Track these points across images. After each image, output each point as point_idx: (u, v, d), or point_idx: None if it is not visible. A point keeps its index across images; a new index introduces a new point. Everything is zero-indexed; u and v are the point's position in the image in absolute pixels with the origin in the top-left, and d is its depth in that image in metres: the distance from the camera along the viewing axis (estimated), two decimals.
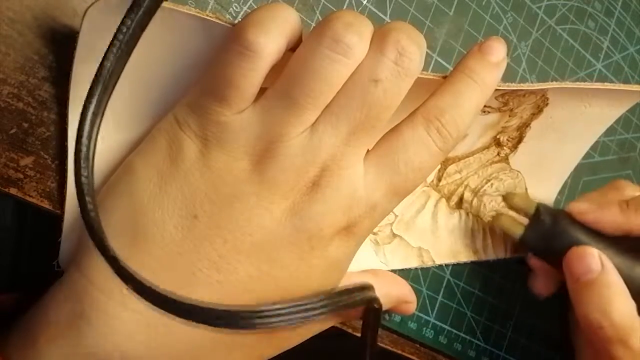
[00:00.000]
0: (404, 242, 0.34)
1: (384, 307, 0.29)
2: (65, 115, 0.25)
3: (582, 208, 0.35)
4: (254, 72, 0.22)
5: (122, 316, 0.23)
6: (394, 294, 0.31)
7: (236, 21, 0.23)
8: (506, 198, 0.36)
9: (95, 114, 0.21)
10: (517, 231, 0.35)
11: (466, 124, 0.26)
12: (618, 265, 0.33)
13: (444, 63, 0.34)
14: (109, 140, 0.25)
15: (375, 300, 0.27)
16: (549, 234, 0.34)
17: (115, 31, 0.21)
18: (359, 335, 0.28)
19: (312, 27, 0.28)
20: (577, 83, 0.33)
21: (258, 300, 0.24)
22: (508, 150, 0.36)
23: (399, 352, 0.36)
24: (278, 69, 0.23)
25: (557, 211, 0.35)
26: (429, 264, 0.35)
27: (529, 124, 0.35)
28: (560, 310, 0.36)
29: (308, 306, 0.23)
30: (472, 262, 0.37)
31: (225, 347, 0.25)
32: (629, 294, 0.33)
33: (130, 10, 0.21)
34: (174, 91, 0.25)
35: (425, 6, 0.33)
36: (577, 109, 0.34)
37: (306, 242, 0.24)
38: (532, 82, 0.37)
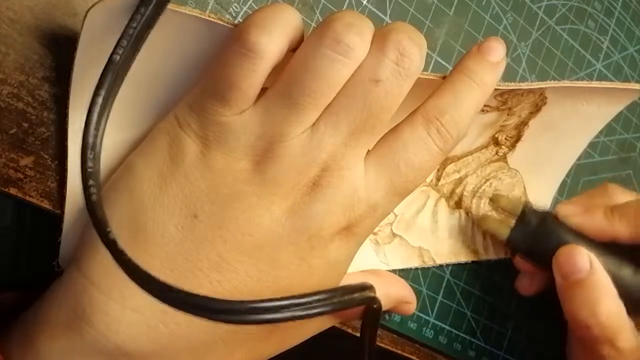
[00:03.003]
0: (404, 242, 0.34)
1: (384, 308, 0.29)
2: (65, 115, 0.25)
3: (568, 211, 0.35)
4: (255, 73, 0.22)
5: (122, 316, 0.23)
6: (394, 294, 0.31)
7: (236, 21, 0.23)
8: (493, 200, 0.36)
9: (103, 105, 0.21)
10: (504, 232, 0.35)
11: (466, 124, 0.26)
12: (605, 265, 0.33)
13: (444, 63, 0.34)
14: (110, 140, 0.25)
15: (375, 300, 0.27)
16: (535, 235, 0.34)
17: (124, 26, 0.21)
18: (358, 335, 0.28)
19: (312, 27, 0.28)
20: (575, 82, 0.33)
21: None
22: (506, 149, 0.36)
23: (399, 352, 0.36)
24: (279, 69, 0.23)
25: (544, 212, 0.35)
26: (430, 263, 0.35)
27: (527, 122, 0.35)
28: (560, 310, 0.36)
29: (305, 303, 0.23)
30: (472, 262, 0.37)
31: (225, 347, 0.25)
32: (616, 294, 0.33)
33: (140, 6, 0.21)
34: (174, 91, 0.25)
35: (425, 6, 0.33)
36: (574, 107, 0.34)
37: (306, 242, 0.24)
38: (531, 82, 0.37)
